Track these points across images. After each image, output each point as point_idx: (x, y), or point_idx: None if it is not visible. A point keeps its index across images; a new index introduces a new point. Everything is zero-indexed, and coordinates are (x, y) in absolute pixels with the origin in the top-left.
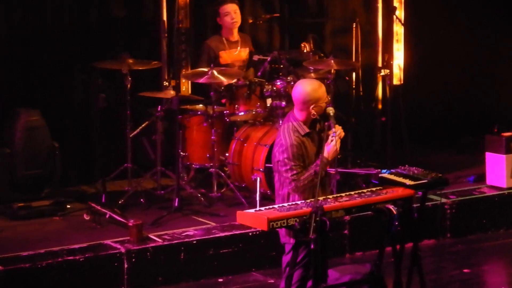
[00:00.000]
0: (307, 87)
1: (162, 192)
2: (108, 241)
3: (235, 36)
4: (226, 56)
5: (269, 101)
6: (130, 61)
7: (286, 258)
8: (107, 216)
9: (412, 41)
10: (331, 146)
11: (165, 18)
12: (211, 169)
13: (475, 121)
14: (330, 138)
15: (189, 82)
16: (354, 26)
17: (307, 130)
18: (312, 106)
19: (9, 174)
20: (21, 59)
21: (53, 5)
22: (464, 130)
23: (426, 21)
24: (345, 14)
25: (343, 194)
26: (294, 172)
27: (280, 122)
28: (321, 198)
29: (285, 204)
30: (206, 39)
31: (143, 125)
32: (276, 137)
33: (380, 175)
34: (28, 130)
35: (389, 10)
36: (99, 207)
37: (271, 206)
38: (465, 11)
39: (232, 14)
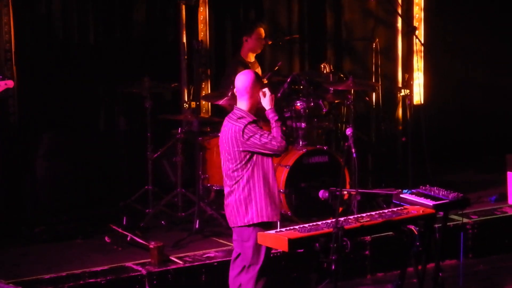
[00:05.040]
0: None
1: (183, 214)
2: (129, 264)
3: (253, 57)
4: None
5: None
6: (150, 83)
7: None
8: (128, 238)
9: (432, 61)
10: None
11: (184, 40)
12: None
13: (498, 140)
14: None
15: (209, 103)
16: (373, 46)
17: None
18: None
19: (31, 198)
20: (45, 83)
21: (77, 29)
22: (487, 149)
23: (446, 40)
24: (364, 35)
25: (364, 215)
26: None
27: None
28: (342, 219)
29: (306, 225)
30: (231, 60)
31: (164, 147)
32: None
33: (401, 195)
34: (50, 154)
35: (409, 30)
36: (120, 230)
37: (291, 227)
38: (486, 30)
39: (263, 39)
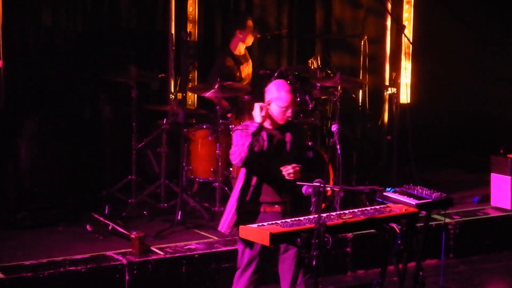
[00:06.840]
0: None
1: (166, 205)
2: (110, 253)
3: (244, 50)
4: (240, 72)
5: None
6: (137, 73)
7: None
8: (110, 227)
9: (420, 60)
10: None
11: (173, 31)
12: (215, 183)
13: (483, 141)
14: None
15: (196, 95)
16: (362, 44)
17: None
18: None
19: (14, 183)
20: (31, 69)
21: (65, 15)
22: (472, 149)
23: (434, 40)
24: (353, 32)
25: (346, 211)
26: None
27: None
28: (324, 215)
29: (288, 220)
30: (220, 52)
31: (148, 138)
32: None
33: (384, 193)
34: (34, 140)
35: (397, 28)
36: (102, 219)
37: (274, 222)
38: (474, 30)
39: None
